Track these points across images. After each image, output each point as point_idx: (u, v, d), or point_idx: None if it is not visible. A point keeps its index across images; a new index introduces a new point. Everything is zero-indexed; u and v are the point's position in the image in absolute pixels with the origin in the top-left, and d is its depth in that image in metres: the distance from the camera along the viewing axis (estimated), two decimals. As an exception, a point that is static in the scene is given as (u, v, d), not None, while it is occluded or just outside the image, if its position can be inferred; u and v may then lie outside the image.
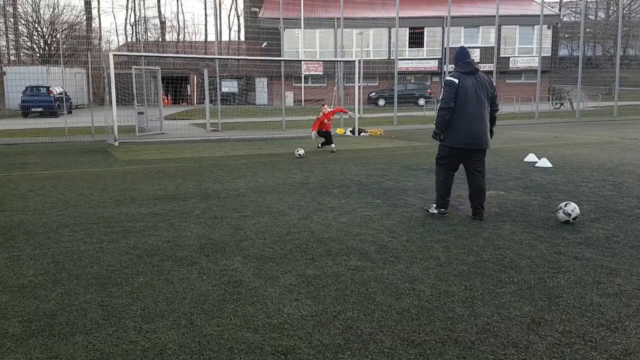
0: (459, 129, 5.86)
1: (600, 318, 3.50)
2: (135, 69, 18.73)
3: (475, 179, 6.08)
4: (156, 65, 23.18)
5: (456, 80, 5.83)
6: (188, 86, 43.23)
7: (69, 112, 24.93)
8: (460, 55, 5.96)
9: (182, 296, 3.94)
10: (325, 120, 13.24)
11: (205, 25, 63.84)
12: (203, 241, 5.33)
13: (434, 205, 6.36)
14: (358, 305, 3.75)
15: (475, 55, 40.46)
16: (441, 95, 5.98)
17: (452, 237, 5.39)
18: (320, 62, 37.91)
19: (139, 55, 23.04)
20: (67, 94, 25.70)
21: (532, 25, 38.70)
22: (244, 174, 9.64)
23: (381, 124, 22.12)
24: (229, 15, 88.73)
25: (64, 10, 50.75)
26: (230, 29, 64.47)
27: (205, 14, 75.82)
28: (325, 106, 13.52)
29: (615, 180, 8.45)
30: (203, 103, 23.38)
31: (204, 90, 21.61)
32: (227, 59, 37.17)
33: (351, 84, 22.15)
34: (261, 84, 40.38)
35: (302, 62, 34.67)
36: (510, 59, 40.69)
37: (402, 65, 37.69)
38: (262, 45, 37.56)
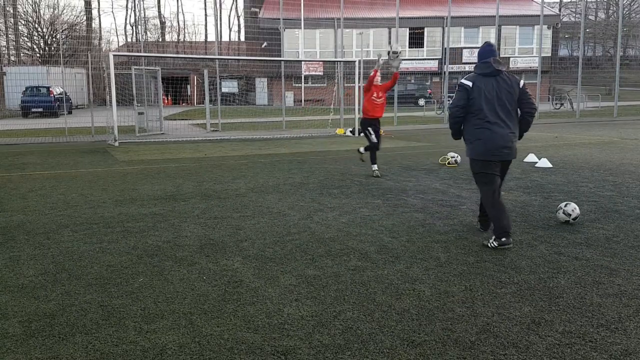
0: (479, 138, 5.07)
1: (600, 318, 3.50)
2: (135, 69, 18.72)
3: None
4: (156, 66, 23.14)
5: (469, 84, 5.06)
6: (188, 86, 43.23)
7: (69, 113, 24.90)
8: (481, 55, 5.18)
9: (182, 296, 3.94)
10: (377, 98, 9.30)
11: (205, 25, 64.02)
12: (203, 241, 5.33)
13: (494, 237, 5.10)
14: (358, 305, 3.75)
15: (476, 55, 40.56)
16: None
17: (452, 237, 5.39)
18: (320, 62, 37.92)
19: (139, 56, 23.00)
20: (67, 94, 25.69)
21: (532, 25, 38.70)
22: (244, 174, 9.64)
23: (381, 124, 22.05)
24: (229, 16, 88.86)
25: (64, 11, 50.95)
26: (230, 29, 64.56)
27: (205, 14, 75.95)
28: (378, 74, 9.36)
29: (615, 180, 8.45)
30: (203, 103, 23.38)
31: (204, 90, 21.59)
32: (227, 59, 37.16)
33: (351, 84, 22.14)
34: (261, 84, 40.38)
35: (302, 62, 34.68)
36: (511, 59, 40.67)
37: (402, 65, 37.61)
38: (262, 46, 37.58)
